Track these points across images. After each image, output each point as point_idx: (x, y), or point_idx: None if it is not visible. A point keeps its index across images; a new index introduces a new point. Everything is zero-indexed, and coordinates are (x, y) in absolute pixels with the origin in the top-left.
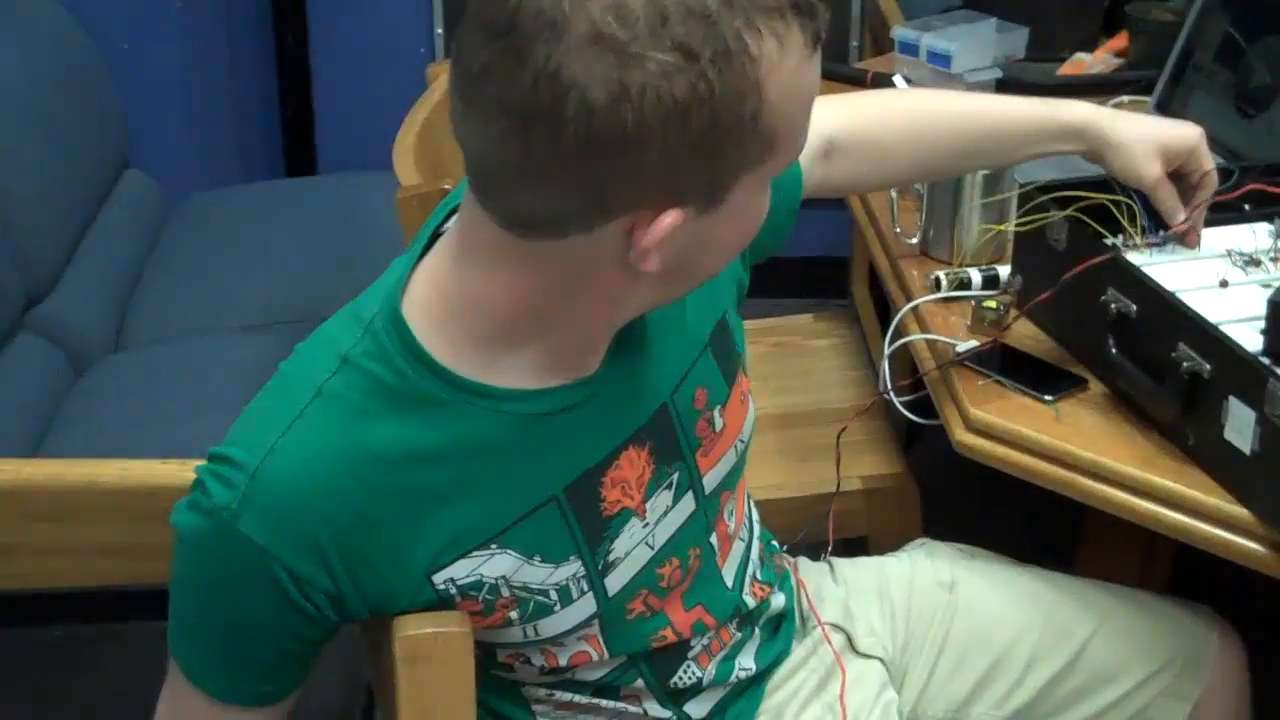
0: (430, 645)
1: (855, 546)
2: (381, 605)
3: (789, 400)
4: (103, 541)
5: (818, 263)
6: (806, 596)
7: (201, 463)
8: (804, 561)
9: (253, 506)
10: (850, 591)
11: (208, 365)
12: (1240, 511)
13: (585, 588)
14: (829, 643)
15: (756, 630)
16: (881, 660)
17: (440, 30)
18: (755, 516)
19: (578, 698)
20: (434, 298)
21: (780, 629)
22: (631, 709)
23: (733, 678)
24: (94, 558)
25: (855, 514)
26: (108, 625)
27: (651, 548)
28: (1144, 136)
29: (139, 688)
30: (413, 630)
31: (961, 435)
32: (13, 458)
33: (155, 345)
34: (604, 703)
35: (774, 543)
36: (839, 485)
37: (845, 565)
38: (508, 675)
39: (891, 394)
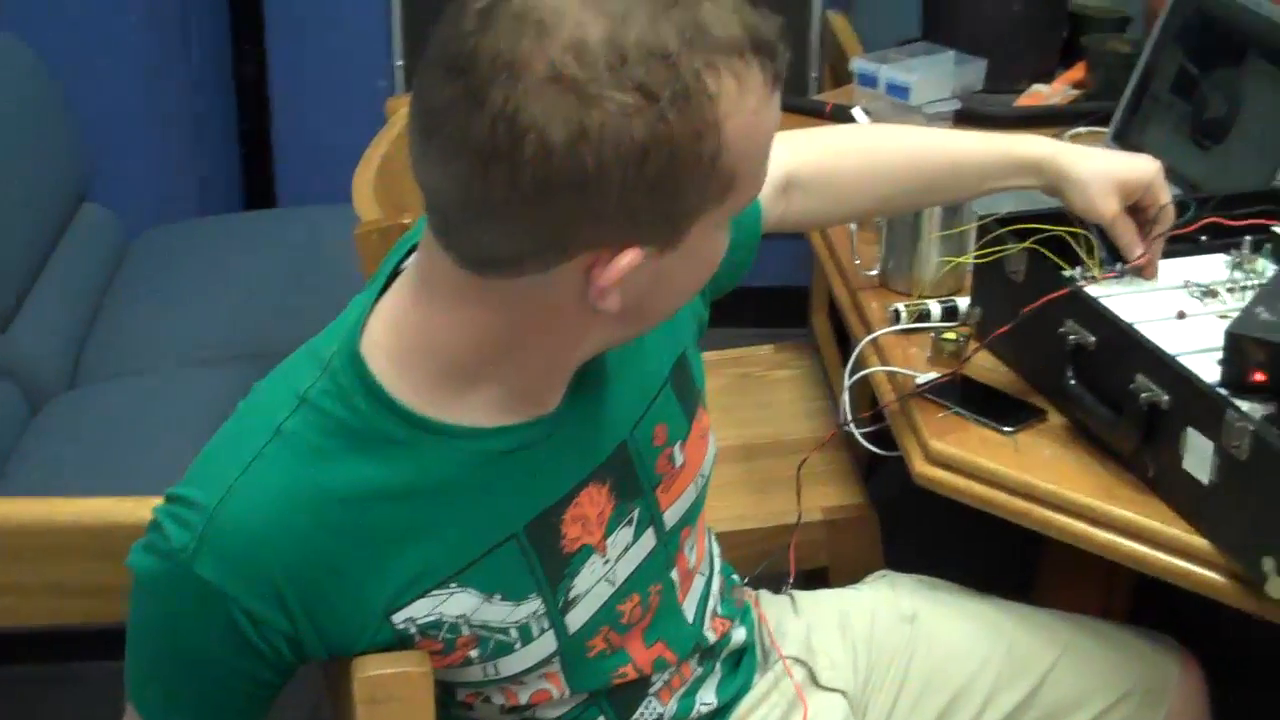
0: (390, 685)
1: (816, 577)
2: (340, 646)
3: (750, 432)
4: (59, 580)
5: (778, 293)
6: (768, 630)
7: (158, 502)
8: (765, 595)
9: (209, 548)
10: (812, 625)
11: (165, 401)
12: (1199, 541)
13: (546, 625)
14: (790, 676)
15: (717, 665)
16: (843, 693)
17: (400, 63)
18: (716, 551)
19: None
20: (393, 336)
21: (741, 663)
22: None
23: (694, 713)
24: (49, 597)
25: (816, 545)
26: (64, 664)
27: (612, 584)
28: (1101, 172)
29: None
30: (372, 670)
31: (921, 467)
32: None
33: (112, 381)
34: None
35: (734, 576)
36: (800, 516)
37: (806, 598)
38: (468, 714)
39: (852, 426)
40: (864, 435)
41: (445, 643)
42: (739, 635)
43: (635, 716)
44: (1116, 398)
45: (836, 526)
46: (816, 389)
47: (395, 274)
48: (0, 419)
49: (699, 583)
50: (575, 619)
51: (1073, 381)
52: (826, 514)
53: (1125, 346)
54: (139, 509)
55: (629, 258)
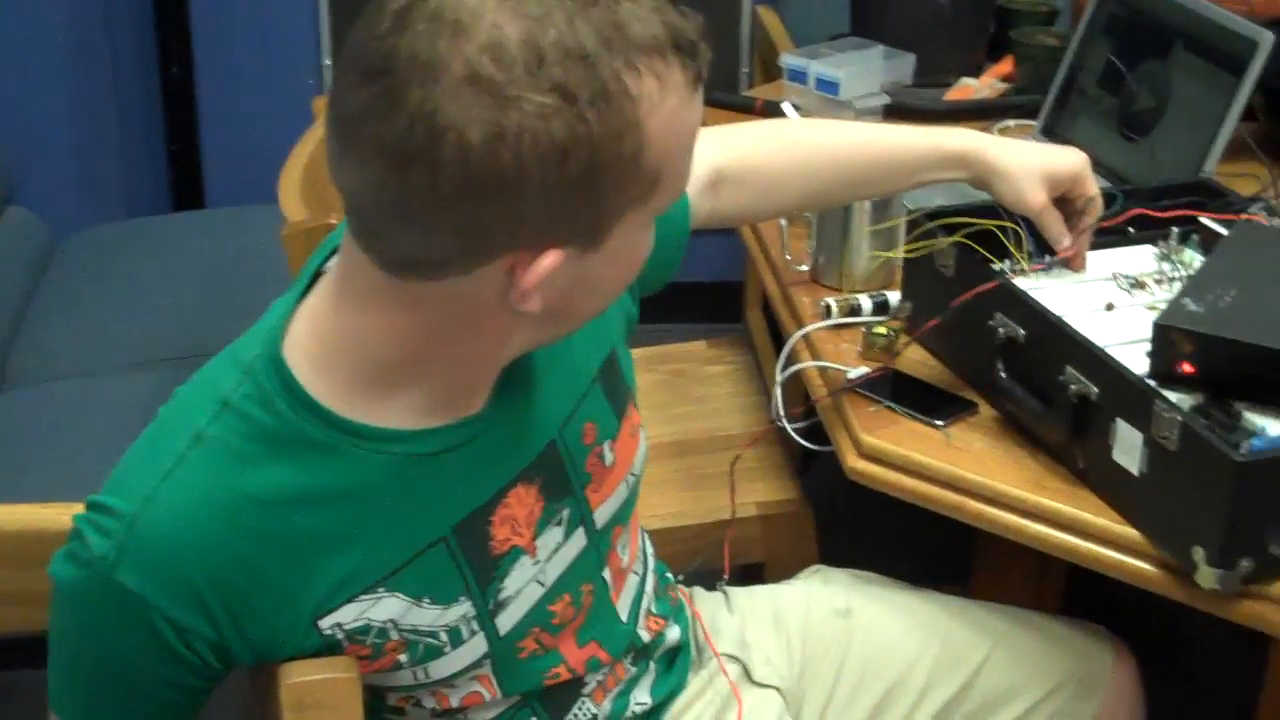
0: (318, 691)
1: (751, 573)
2: (266, 652)
3: (683, 428)
4: None
5: (712, 288)
6: (702, 628)
7: (81, 509)
8: (699, 592)
9: (130, 556)
10: (746, 621)
11: (92, 405)
12: (1130, 532)
13: (476, 628)
14: (725, 673)
15: (652, 664)
16: (778, 689)
17: (328, 62)
18: (649, 549)
19: None
20: (314, 339)
21: (676, 662)
22: None
23: (628, 713)
24: None
25: (751, 541)
26: None
27: (543, 585)
28: (1029, 164)
29: None
30: (299, 677)
31: (854, 462)
32: None
33: (38, 385)
34: None
35: (669, 575)
36: (734, 512)
37: (740, 595)
38: (399, 719)
39: (784, 421)
40: (797, 430)
41: (373, 647)
42: (673, 634)
43: (568, 717)
44: (1046, 390)
45: (771, 522)
46: (750, 384)
47: (317, 276)
48: None
49: (633, 582)
50: (506, 620)
51: (1003, 374)
52: (761, 509)
53: (1054, 339)
54: (63, 516)
55: (551, 259)
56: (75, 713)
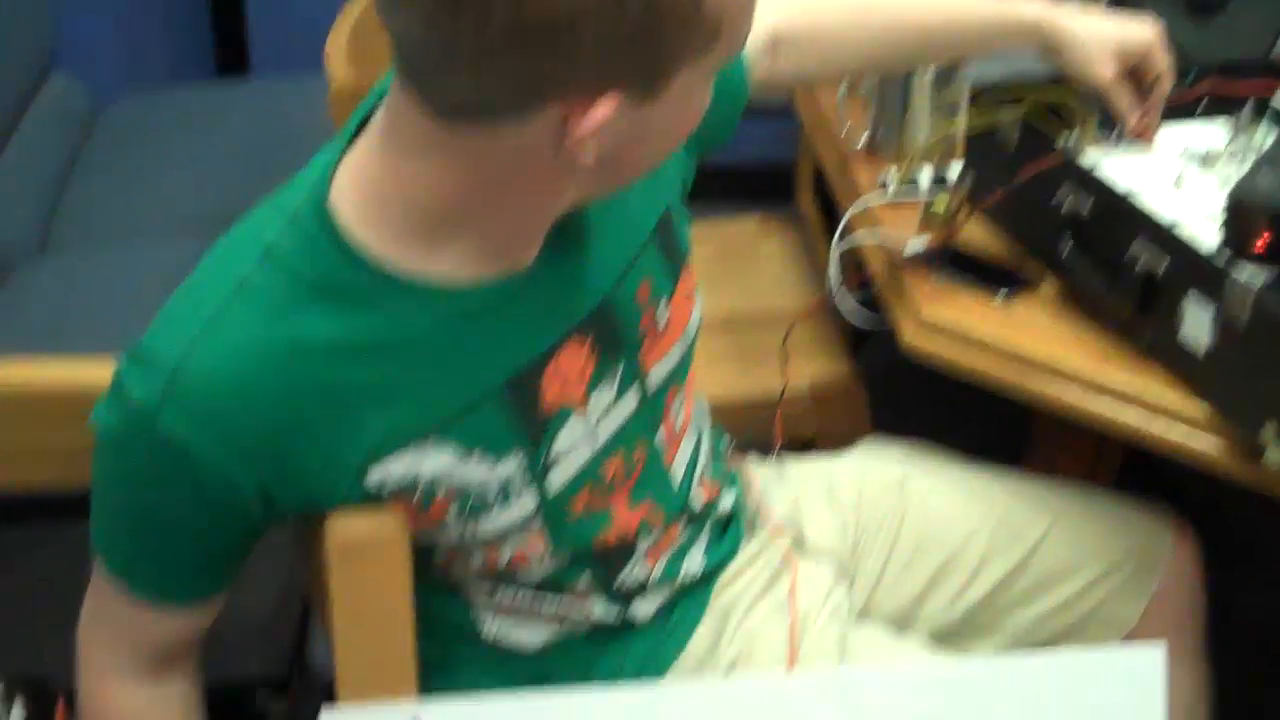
0: (364, 545)
1: (802, 450)
2: (312, 504)
3: (735, 304)
4: (27, 445)
5: (762, 171)
6: (756, 495)
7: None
8: (753, 461)
9: (172, 405)
10: (799, 492)
11: (136, 269)
12: (1196, 410)
13: (525, 485)
14: (778, 542)
15: (705, 529)
16: (831, 559)
17: None
18: (705, 415)
19: (520, 597)
20: (361, 188)
21: (729, 528)
22: (576, 609)
23: (680, 577)
24: (19, 461)
25: (802, 417)
26: (35, 529)
27: (594, 445)
28: (1099, 35)
29: (68, 591)
30: (345, 530)
31: (911, 337)
32: None
33: (82, 249)
34: (547, 602)
35: (724, 441)
36: (785, 388)
37: (794, 466)
38: (446, 576)
39: (839, 295)
40: (851, 305)
41: (421, 501)
42: (727, 500)
43: (620, 579)
44: (1112, 265)
45: (823, 398)
46: (803, 261)
47: (363, 126)
48: None
49: (687, 445)
50: (556, 479)
51: (1067, 250)
52: (813, 385)
53: (1121, 213)
54: (107, 370)
55: (606, 108)
56: (119, 558)
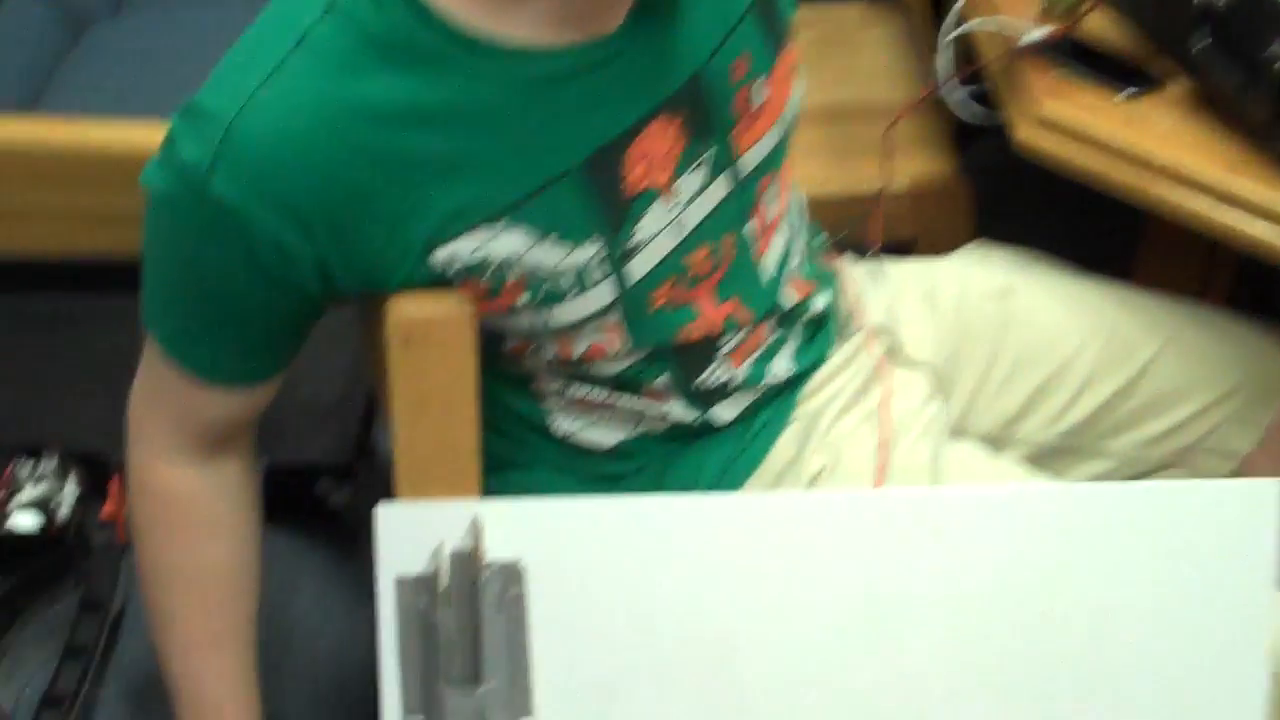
0: (428, 327)
1: (901, 252)
2: (373, 281)
3: (833, 94)
4: (89, 207)
5: None
6: (850, 297)
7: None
8: (849, 261)
9: (226, 165)
10: (896, 295)
11: (210, 30)
12: None
13: (604, 273)
14: (872, 348)
15: (794, 331)
16: (928, 369)
17: None
18: (800, 207)
19: (594, 393)
20: None
21: (819, 331)
22: (653, 408)
23: (766, 380)
24: (80, 224)
25: (901, 217)
26: (93, 299)
27: (679, 233)
28: None
29: (124, 364)
30: (408, 311)
31: (1025, 133)
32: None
33: (157, 9)
34: (622, 400)
35: (819, 238)
36: (886, 184)
37: (892, 268)
38: (516, 367)
39: (948, 87)
40: (961, 98)
41: (491, 286)
42: (820, 301)
43: (702, 379)
44: (1249, 65)
45: (924, 197)
46: (909, 52)
47: None
48: (40, 45)
49: (779, 239)
50: (637, 267)
51: (1200, 45)
52: (914, 185)
53: (1264, 7)
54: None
55: None
56: (169, 331)
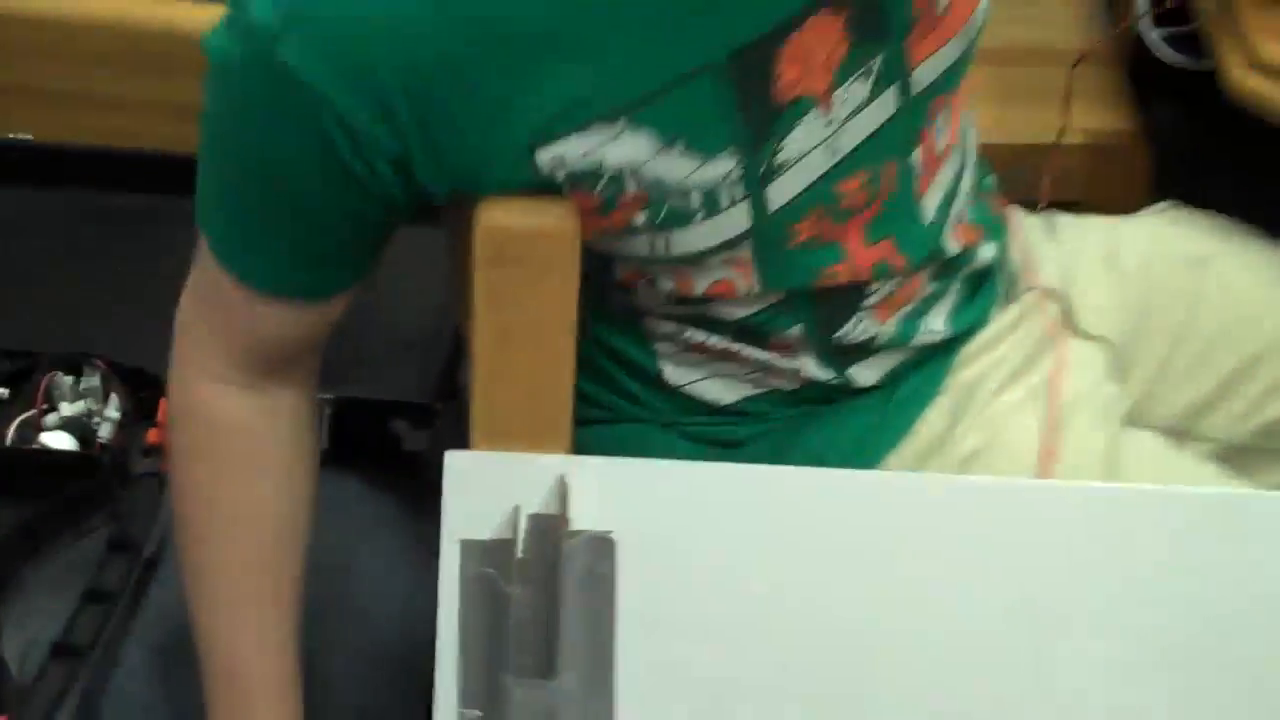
0: (524, 241)
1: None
2: (464, 181)
3: (1006, 33)
4: (176, 99)
5: None
6: (1022, 251)
7: None
8: (1020, 211)
9: (298, 28)
10: (1075, 254)
11: None
12: None
13: (739, 194)
14: (1043, 312)
15: (954, 284)
16: (1105, 342)
17: None
18: (973, 139)
19: (713, 340)
20: None
21: (983, 287)
22: (780, 364)
23: (915, 340)
24: (165, 118)
25: (1073, 174)
26: (173, 198)
27: (834, 154)
28: None
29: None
30: (500, 219)
31: (1243, 77)
32: None
33: None
34: (746, 350)
35: (991, 179)
36: (1061, 134)
37: (1069, 224)
38: (625, 298)
39: (1145, 25)
40: (1159, 39)
41: (604, 198)
42: (987, 252)
43: (841, 333)
44: None
45: (1101, 153)
46: None
47: None
48: None
49: (947, 174)
50: (779, 192)
51: None
52: (1091, 137)
53: None
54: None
55: None
56: (223, 234)
